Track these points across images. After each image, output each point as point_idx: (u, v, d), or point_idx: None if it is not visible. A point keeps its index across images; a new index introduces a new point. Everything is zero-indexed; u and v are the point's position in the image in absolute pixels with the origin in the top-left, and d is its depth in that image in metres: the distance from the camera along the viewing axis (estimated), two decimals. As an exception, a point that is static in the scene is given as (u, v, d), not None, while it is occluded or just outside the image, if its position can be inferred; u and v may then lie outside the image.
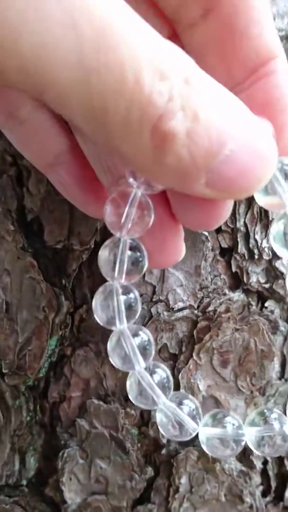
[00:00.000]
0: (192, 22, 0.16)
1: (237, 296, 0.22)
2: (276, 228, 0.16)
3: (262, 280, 0.22)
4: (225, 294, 0.22)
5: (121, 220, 0.16)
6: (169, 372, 0.19)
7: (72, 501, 0.22)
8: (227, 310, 0.22)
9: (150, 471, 0.22)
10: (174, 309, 0.22)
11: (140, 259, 0.17)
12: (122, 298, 0.17)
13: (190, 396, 0.19)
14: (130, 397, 0.18)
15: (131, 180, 0.16)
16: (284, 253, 0.16)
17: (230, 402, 0.22)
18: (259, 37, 0.15)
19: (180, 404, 0.18)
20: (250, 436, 0.18)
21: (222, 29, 0.15)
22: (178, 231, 0.19)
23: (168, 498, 0.22)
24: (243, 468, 0.21)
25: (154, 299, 0.22)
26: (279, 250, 0.17)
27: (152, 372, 0.18)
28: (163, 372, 0.18)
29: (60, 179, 0.19)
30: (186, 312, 0.22)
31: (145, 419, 0.22)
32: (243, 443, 0.18)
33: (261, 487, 0.23)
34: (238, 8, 0.15)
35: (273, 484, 0.23)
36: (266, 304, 0.23)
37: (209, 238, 0.22)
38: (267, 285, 0.22)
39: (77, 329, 0.23)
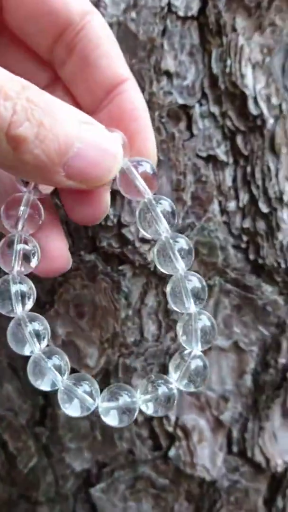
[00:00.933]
0: (62, 60, 0.20)
1: (88, 257, 0.26)
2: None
3: (115, 245, 0.26)
4: (80, 256, 0.27)
5: (17, 220, 0.19)
6: (66, 358, 0.20)
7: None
8: (77, 269, 0.26)
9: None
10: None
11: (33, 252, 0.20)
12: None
13: (87, 376, 0.20)
14: (30, 380, 0.20)
15: (22, 187, 0.20)
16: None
17: (88, 350, 0.27)
18: (108, 67, 0.20)
19: (77, 383, 0.20)
20: (142, 402, 0.20)
21: (81, 63, 0.20)
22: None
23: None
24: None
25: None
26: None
27: (49, 357, 0.20)
28: (60, 357, 0.20)
29: None
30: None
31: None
32: (137, 410, 0.20)
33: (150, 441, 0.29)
34: (90, 47, 0.19)
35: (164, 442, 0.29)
36: (120, 267, 0.27)
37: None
38: (118, 250, 0.26)
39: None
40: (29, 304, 0.20)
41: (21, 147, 0.16)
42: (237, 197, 0.27)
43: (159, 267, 0.20)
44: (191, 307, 0.20)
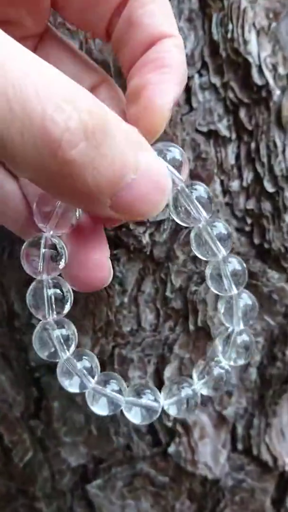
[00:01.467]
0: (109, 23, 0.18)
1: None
2: None
3: (108, 228, 0.23)
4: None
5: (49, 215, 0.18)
6: (96, 360, 0.21)
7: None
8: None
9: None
10: None
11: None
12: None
13: (115, 375, 0.21)
14: (60, 381, 0.20)
15: (40, 224, 0.18)
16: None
17: (81, 340, 0.26)
18: (150, 24, 0.18)
19: (106, 384, 0.21)
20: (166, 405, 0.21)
21: (125, 25, 0.18)
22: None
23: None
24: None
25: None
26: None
27: (78, 359, 0.20)
28: (90, 359, 0.21)
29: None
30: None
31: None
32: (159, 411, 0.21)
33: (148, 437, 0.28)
34: (135, 6, 0.18)
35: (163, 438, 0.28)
36: (114, 252, 0.25)
37: None
38: (112, 232, 0.24)
39: None
40: (66, 308, 0.19)
41: (71, 172, 0.14)
42: (240, 176, 0.25)
43: (197, 254, 0.19)
44: (233, 290, 0.20)
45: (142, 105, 0.17)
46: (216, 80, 0.24)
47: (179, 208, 0.18)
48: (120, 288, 0.25)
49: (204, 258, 0.19)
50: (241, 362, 0.21)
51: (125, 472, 0.29)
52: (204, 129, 0.24)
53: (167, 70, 0.17)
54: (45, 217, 0.18)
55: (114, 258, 0.25)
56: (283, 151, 0.24)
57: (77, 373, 0.20)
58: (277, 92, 0.24)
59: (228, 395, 0.28)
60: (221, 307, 0.21)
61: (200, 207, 0.18)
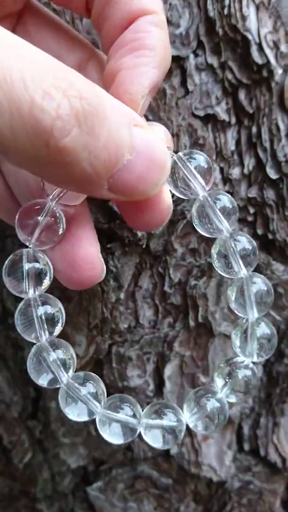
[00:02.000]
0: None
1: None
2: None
3: (102, 220, 0.23)
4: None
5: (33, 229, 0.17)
6: (102, 384, 0.19)
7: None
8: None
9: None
10: None
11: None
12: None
13: (127, 397, 0.19)
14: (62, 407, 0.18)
15: (23, 237, 0.17)
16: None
17: (76, 338, 0.24)
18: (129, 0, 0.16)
19: (118, 408, 0.18)
20: (189, 421, 0.19)
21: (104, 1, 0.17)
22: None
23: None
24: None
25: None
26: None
27: (83, 384, 0.18)
28: (95, 383, 0.19)
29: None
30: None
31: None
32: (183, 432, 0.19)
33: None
34: None
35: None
36: (108, 245, 0.24)
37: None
38: (106, 225, 0.23)
39: None
40: (57, 330, 0.18)
41: (66, 160, 0.13)
42: (241, 163, 0.24)
43: (199, 230, 0.18)
44: (242, 270, 0.18)
45: (115, 92, 0.16)
46: (213, 60, 0.22)
47: (176, 179, 0.17)
48: (116, 283, 0.24)
49: (207, 235, 0.18)
50: (265, 356, 0.18)
51: (126, 474, 0.28)
52: (201, 113, 0.23)
53: (144, 53, 0.16)
54: (28, 230, 0.17)
55: (108, 252, 0.24)
56: (287, 135, 0.23)
57: (80, 399, 0.18)
58: (279, 72, 0.22)
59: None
60: (232, 295, 0.18)
61: (198, 176, 0.17)
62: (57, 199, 0.17)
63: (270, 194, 0.24)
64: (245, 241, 0.18)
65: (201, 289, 0.24)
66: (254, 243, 0.18)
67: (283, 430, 0.28)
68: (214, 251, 0.18)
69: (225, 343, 0.25)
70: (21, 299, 0.24)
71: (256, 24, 0.22)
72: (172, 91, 0.23)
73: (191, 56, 0.22)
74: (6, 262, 0.17)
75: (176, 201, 0.23)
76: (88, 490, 0.28)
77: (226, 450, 0.28)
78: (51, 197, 0.17)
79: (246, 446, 0.28)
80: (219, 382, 0.19)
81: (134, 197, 0.15)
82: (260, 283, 0.18)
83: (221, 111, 0.23)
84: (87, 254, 0.18)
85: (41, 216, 0.17)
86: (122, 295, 0.24)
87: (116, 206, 0.18)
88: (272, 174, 0.23)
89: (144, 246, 0.24)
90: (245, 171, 0.24)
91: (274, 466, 0.28)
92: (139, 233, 0.23)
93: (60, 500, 0.30)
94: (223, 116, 0.23)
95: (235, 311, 0.19)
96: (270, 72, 0.22)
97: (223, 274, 0.18)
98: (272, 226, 0.24)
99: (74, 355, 0.18)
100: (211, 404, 0.18)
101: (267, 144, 0.23)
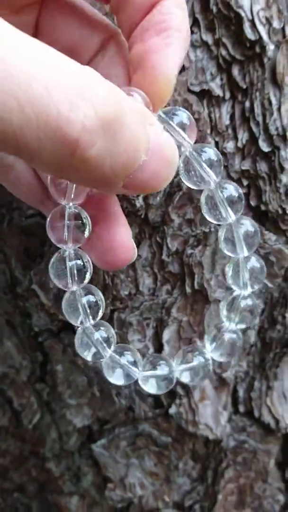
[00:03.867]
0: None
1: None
2: None
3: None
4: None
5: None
6: (112, 330, 0.21)
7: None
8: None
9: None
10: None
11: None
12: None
13: (130, 347, 0.21)
14: (76, 348, 0.20)
15: (57, 198, 0.18)
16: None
17: None
18: None
19: (121, 355, 0.21)
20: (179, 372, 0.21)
21: None
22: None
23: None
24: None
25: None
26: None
27: (97, 329, 0.20)
28: (107, 329, 0.21)
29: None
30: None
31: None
32: (174, 380, 0.21)
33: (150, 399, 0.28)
34: None
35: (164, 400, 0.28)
36: None
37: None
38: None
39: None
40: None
41: (89, 168, 0.14)
42: (235, 137, 0.25)
43: (186, 183, 0.19)
44: (231, 216, 0.19)
45: (147, 74, 0.17)
46: (208, 37, 0.23)
47: (191, 171, 0.19)
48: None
49: (195, 187, 0.19)
50: (243, 326, 0.21)
51: (128, 432, 0.30)
52: (197, 89, 0.24)
53: (170, 33, 0.17)
54: (60, 191, 0.18)
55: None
56: (279, 109, 0.24)
57: (94, 343, 0.20)
58: (271, 48, 0.23)
59: (227, 358, 0.28)
60: (229, 270, 0.21)
61: (208, 169, 0.18)
62: (73, 201, 0.18)
63: (262, 166, 0.25)
64: (232, 189, 0.19)
65: (197, 257, 0.26)
66: (241, 190, 0.20)
67: (276, 393, 0.30)
68: (203, 200, 0.20)
69: (219, 309, 0.27)
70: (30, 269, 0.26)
71: (249, 1, 0.23)
72: (169, 68, 0.24)
73: (187, 33, 0.23)
74: (52, 260, 0.19)
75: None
76: (93, 447, 0.30)
77: (222, 410, 0.29)
78: (67, 201, 0.18)
79: (241, 408, 0.30)
80: (207, 343, 0.22)
81: (146, 192, 0.17)
82: (248, 225, 0.20)
83: (216, 86, 0.24)
84: (122, 239, 0.19)
85: (67, 219, 0.18)
86: (122, 264, 0.26)
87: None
88: (265, 147, 0.24)
89: (142, 217, 0.25)
90: (239, 144, 0.25)
91: (267, 427, 0.30)
92: (138, 204, 0.24)
93: (67, 458, 0.32)
94: (218, 91, 0.24)
95: (230, 285, 0.21)
96: (262, 48, 0.23)
97: (212, 221, 0.20)
98: (264, 197, 0.25)
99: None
100: (198, 360, 0.21)
101: (259, 118, 0.24)
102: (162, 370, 0.21)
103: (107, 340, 0.20)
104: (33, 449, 0.33)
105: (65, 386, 0.30)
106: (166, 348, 0.27)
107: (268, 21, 0.23)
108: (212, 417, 0.29)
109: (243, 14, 0.23)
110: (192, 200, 0.25)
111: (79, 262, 0.19)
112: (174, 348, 0.27)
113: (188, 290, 0.26)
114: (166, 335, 0.27)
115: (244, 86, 0.24)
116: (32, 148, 0.13)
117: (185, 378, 0.21)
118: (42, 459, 0.33)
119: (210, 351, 0.22)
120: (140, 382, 0.21)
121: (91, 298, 0.20)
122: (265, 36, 0.23)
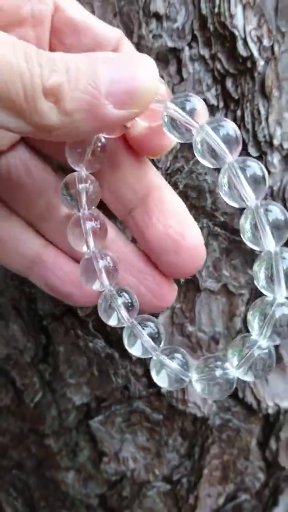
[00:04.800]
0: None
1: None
2: None
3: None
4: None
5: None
6: (161, 327, 0.21)
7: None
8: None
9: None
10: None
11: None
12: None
13: (180, 348, 0.21)
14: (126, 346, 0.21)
15: (74, 164, 0.20)
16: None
17: None
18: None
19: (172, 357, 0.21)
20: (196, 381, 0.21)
21: None
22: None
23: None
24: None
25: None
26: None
27: (143, 326, 0.21)
28: (154, 326, 0.21)
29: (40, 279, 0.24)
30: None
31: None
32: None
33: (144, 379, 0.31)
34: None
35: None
36: None
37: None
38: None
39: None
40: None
41: (61, 96, 0.16)
42: (227, 142, 0.27)
43: (203, 162, 0.19)
44: (250, 198, 0.17)
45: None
46: (205, 52, 0.26)
47: (205, 149, 0.18)
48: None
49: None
50: (276, 341, 0.18)
51: (124, 409, 0.33)
52: (194, 98, 0.26)
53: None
54: (77, 157, 0.20)
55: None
56: (267, 118, 0.27)
57: (142, 341, 0.20)
58: (261, 63, 0.26)
59: (215, 343, 0.31)
60: (259, 270, 0.17)
61: (224, 146, 0.18)
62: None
63: (251, 169, 0.27)
64: (256, 167, 0.18)
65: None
66: (265, 171, 0.18)
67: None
68: (242, 221, 0.18)
69: (209, 297, 0.30)
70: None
71: (242, 22, 0.25)
72: (169, 78, 0.26)
73: (186, 48, 0.26)
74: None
75: (171, 174, 0.27)
76: (91, 423, 0.33)
77: (209, 391, 0.32)
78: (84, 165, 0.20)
79: (227, 389, 0.33)
80: (233, 359, 0.19)
81: (142, 101, 0.17)
82: (277, 212, 0.17)
83: (211, 96, 0.27)
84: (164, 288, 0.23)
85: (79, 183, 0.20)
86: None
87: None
88: (253, 152, 0.27)
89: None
90: (230, 149, 0.27)
91: (250, 408, 0.33)
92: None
93: (65, 435, 0.35)
94: (213, 101, 0.27)
95: (261, 289, 0.18)
96: (253, 64, 0.26)
97: (230, 202, 0.18)
98: (252, 197, 0.28)
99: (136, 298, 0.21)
100: (218, 372, 0.20)
101: (249, 126, 0.27)
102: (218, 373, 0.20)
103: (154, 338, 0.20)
104: (33, 427, 0.35)
105: (66, 366, 0.32)
106: (160, 332, 0.30)
107: (259, 39, 0.26)
108: (200, 396, 0.32)
109: (236, 33, 0.25)
110: (186, 197, 0.28)
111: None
112: (168, 332, 0.30)
113: (181, 279, 0.29)
114: (160, 320, 0.30)
115: (236, 97, 0.27)
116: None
117: (199, 389, 0.21)
118: (41, 435, 0.35)
119: (235, 367, 0.19)
120: (152, 366, 0.21)
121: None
122: (256, 53, 0.26)
